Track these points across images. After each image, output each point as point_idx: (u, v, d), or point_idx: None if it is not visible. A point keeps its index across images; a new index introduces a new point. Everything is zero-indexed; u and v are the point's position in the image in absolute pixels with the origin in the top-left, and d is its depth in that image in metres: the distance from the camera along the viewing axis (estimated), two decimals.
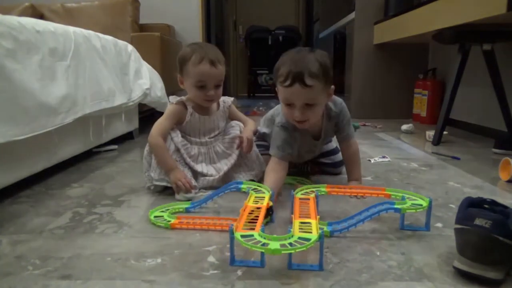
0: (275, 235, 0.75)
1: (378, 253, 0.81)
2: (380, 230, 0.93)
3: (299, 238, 0.73)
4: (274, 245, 0.71)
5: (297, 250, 0.71)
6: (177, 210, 1.06)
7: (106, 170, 1.53)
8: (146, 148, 1.25)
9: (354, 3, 3.03)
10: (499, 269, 0.69)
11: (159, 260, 0.79)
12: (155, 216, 1.01)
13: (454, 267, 0.72)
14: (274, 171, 1.15)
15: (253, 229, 0.77)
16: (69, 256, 0.80)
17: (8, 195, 1.19)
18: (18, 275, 0.73)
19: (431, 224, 0.95)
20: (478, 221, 0.68)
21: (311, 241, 0.71)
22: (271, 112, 1.38)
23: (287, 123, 1.18)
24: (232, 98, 1.38)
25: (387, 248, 0.84)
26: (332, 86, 1.12)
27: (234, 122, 1.36)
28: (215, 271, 0.74)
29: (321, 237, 0.73)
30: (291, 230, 0.76)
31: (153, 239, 0.89)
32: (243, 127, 1.34)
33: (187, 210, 1.07)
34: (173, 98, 1.28)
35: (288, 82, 1.05)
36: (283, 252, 0.70)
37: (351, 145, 1.27)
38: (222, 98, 1.35)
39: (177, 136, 1.24)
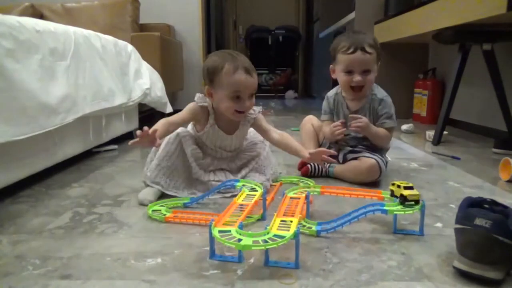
0: (250, 232, 0.75)
1: (378, 253, 0.81)
2: (380, 230, 0.93)
3: (274, 235, 0.74)
4: (246, 241, 0.72)
5: (267, 247, 0.72)
6: (175, 205, 1.09)
7: (106, 170, 1.53)
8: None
9: (354, 3, 3.03)
10: (499, 269, 0.69)
11: (159, 260, 0.79)
12: (153, 210, 1.03)
13: (454, 267, 0.72)
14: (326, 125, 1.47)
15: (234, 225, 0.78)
16: (69, 256, 0.80)
17: (8, 195, 1.18)
18: (18, 275, 0.73)
19: (431, 224, 0.95)
20: (478, 221, 0.68)
21: (284, 239, 0.72)
22: None
23: (330, 94, 1.47)
24: (259, 108, 1.26)
25: (387, 248, 0.84)
26: (379, 62, 1.36)
27: (257, 139, 1.28)
28: (215, 271, 0.74)
29: (296, 235, 0.73)
30: (268, 227, 0.76)
31: (153, 239, 0.89)
32: (294, 147, 1.21)
33: (185, 206, 1.09)
34: (199, 98, 1.19)
35: (351, 50, 1.30)
36: (253, 248, 0.71)
37: (384, 129, 1.37)
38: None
39: (188, 142, 1.19)
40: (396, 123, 1.42)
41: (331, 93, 1.50)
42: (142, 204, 1.10)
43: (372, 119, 1.39)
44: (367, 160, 1.29)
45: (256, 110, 1.24)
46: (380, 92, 1.40)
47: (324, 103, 1.50)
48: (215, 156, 1.25)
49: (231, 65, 1.10)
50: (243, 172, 1.26)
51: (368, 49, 1.29)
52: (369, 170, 1.28)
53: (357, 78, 1.31)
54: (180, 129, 1.21)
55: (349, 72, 1.32)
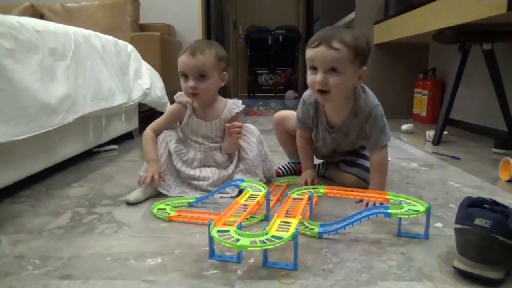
0: (248, 232, 0.76)
1: (378, 253, 0.81)
2: (381, 231, 0.93)
3: (273, 236, 0.74)
4: (244, 241, 0.72)
5: (263, 248, 0.72)
6: (180, 204, 1.10)
7: (106, 170, 1.53)
8: None
9: (354, 3, 3.03)
10: (499, 269, 0.69)
11: (159, 260, 0.79)
12: (158, 209, 1.04)
13: (454, 267, 0.72)
14: (301, 148, 1.31)
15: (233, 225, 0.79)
16: (69, 256, 0.80)
17: (8, 195, 1.18)
18: (18, 275, 0.73)
19: (431, 224, 0.95)
20: (478, 221, 0.68)
21: (281, 240, 0.72)
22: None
23: (308, 97, 1.22)
24: (241, 107, 1.29)
25: (387, 248, 0.84)
26: (365, 68, 1.10)
27: (245, 131, 1.27)
28: (215, 271, 0.74)
29: (295, 237, 0.73)
30: (266, 228, 0.76)
31: (153, 239, 0.89)
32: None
33: (190, 205, 1.10)
34: (178, 96, 1.27)
35: (315, 44, 1.05)
36: (249, 248, 0.71)
37: (377, 153, 1.16)
38: (231, 104, 1.28)
39: (172, 141, 1.23)
40: (389, 136, 1.18)
41: (309, 96, 1.22)
42: (128, 202, 1.11)
43: (357, 137, 1.21)
44: (350, 177, 1.25)
45: (239, 107, 1.29)
46: (367, 102, 1.15)
47: (301, 109, 1.25)
48: (198, 150, 1.26)
49: (184, 49, 1.20)
50: (231, 169, 1.24)
51: (336, 44, 1.03)
52: (353, 186, 1.19)
53: (318, 78, 1.05)
54: (165, 132, 1.27)
55: (313, 69, 1.08)
